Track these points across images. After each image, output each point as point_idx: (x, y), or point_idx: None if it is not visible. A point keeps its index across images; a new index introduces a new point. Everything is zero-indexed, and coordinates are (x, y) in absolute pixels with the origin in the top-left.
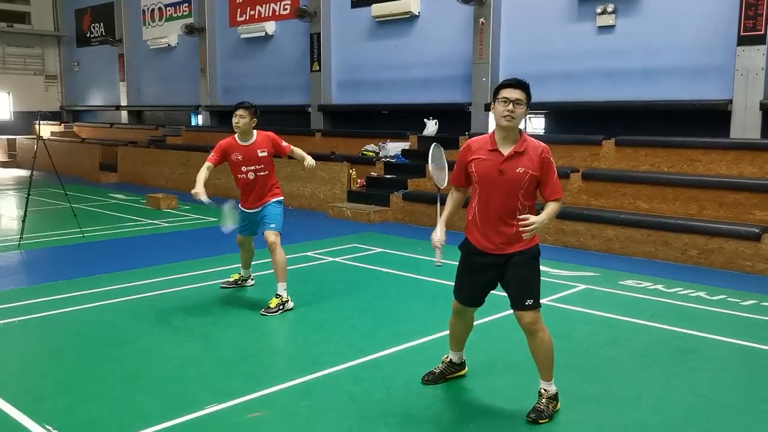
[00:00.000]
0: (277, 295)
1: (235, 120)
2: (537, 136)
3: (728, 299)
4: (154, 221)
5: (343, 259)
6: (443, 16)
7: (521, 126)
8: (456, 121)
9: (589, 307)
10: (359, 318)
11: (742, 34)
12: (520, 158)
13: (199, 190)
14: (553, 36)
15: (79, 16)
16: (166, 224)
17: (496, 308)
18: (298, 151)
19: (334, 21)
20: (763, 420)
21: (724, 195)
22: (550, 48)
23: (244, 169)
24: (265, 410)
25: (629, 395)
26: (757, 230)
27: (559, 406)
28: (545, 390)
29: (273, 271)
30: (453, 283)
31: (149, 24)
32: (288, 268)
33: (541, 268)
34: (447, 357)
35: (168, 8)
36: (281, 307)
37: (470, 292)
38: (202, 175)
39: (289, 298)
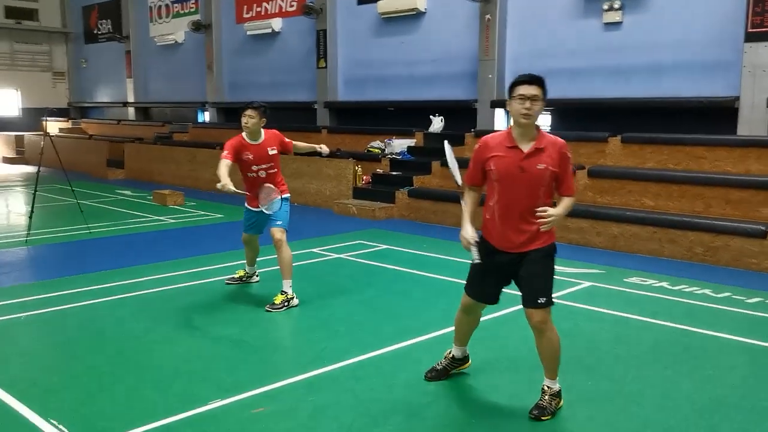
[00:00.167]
0: (282, 291)
1: (244, 120)
2: None
3: (734, 297)
4: (161, 218)
5: (349, 256)
6: (449, 13)
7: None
8: (462, 118)
9: (593, 305)
10: (364, 314)
11: (749, 30)
12: (541, 155)
13: (226, 181)
14: (560, 33)
15: (87, 13)
16: (173, 221)
17: (499, 305)
18: (303, 144)
19: (341, 18)
20: None
21: (730, 192)
22: (556, 45)
23: (255, 168)
24: (269, 406)
25: (633, 392)
26: (763, 228)
27: (561, 403)
28: (548, 387)
29: (278, 267)
30: (457, 280)
31: (156, 21)
32: (293, 264)
33: None
34: (449, 352)
35: (175, 5)
36: (286, 303)
37: (483, 288)
38: (224, 169)
39: (294, 295)
